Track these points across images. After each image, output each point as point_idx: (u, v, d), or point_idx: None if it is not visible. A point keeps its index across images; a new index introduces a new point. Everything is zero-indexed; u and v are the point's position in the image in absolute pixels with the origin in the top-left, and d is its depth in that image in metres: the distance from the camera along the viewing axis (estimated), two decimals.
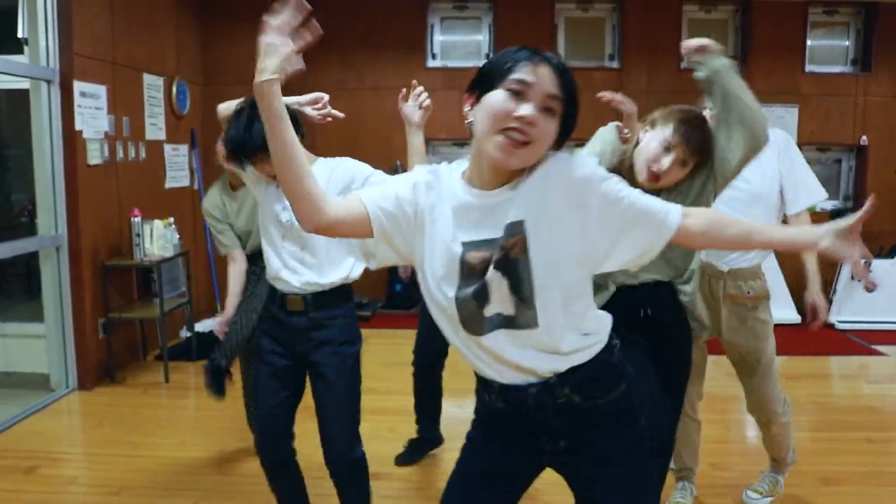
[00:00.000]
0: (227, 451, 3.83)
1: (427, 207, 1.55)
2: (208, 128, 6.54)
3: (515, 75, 1.44)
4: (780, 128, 7.04)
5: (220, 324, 3.29)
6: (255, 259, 3.42)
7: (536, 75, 1.44)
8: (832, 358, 5.88)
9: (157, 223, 5.03)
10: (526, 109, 1.42)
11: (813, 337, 6.28)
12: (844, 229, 1.49)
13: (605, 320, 1.63)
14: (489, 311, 1.50)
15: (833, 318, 6.61)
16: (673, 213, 1.53)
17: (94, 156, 4.77)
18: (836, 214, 6.76)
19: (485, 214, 1.50)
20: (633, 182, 2.26)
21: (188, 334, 5.67)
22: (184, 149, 6.21)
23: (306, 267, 2.48)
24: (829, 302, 6.71)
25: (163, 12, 5.77)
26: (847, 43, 7.39)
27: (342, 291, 2.54)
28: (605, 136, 2.44)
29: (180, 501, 3.28)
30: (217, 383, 3.47)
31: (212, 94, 6.60)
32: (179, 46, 6.08)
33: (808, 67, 7.23)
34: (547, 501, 2.94)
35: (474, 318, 1.51)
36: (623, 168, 2.38)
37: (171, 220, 5.23)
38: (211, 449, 3.86)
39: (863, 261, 1.49)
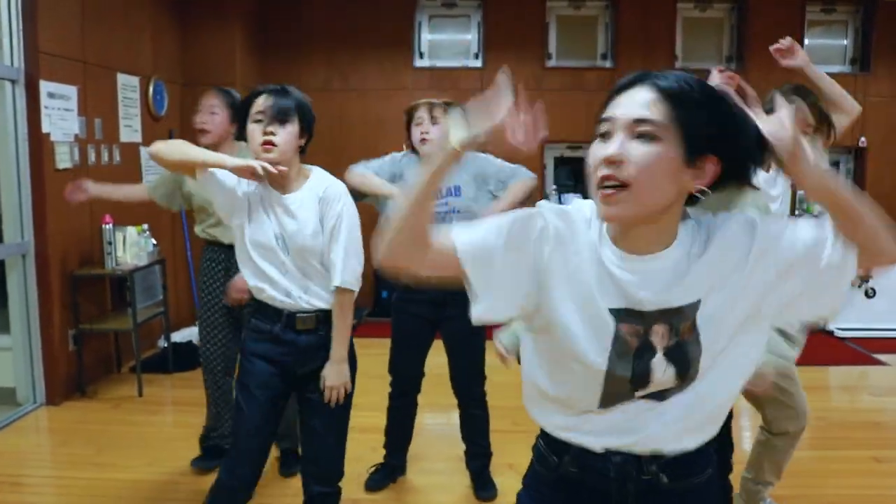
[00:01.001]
0: (198, 471, 3.61)
1: (557, 260, 1.31)
2: (188, 129, 6.29)
3: (601, 117, 1.25)
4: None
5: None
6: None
7: (619, 105, 1.24)
8: (831, 368, 5.70)
9: (131, 230, 4.81)
10: (608, 149, 1.21)
11: (811, 345, 6.07)
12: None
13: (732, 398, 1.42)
14: (641, 392, 1.30)
15: (832, 326, 6.44)
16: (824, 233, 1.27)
17: (63, 159, 4.54)
18: None
19: (642, 283, 1.27)
20: None
21: (165, 344, 5.45)
22: None
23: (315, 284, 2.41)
24: None
25: (138, 10, 5.54)
26: (845, 42, 7.28)
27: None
28: None
29: None
30: None
31: (192, 94, 6.37)
32: (157, 45, 5.85)
33: None
34: None
35: (621, 397, 1.31)
36: None
37: (146, 226, 5.01)
38: (182, 468, 3.64)
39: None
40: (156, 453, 3.86)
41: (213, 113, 3.47)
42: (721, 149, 1.23)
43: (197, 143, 3.20)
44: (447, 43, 7.20)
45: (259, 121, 2.32)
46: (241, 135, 2.43)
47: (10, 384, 4.57)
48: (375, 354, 3.38)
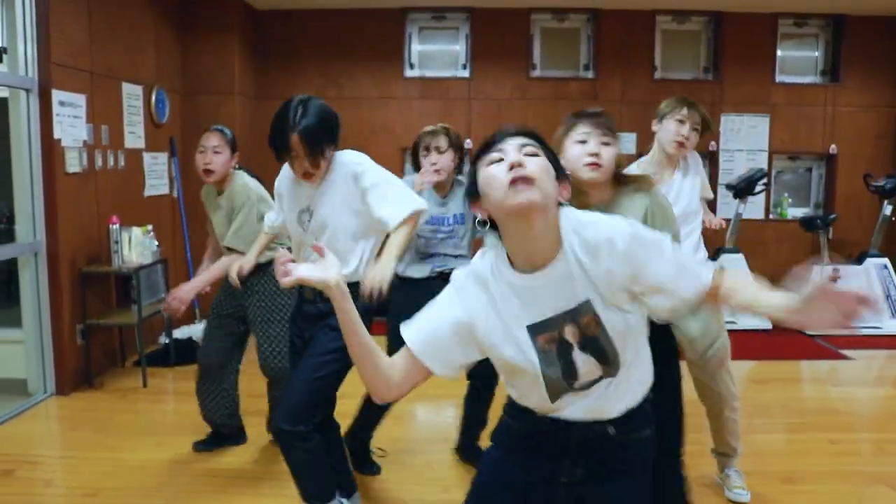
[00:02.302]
0: (203, 453, 3.89)
1: (481, 302, 1.66)
2: (188, 136, 6.60)
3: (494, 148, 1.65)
4: (753, 137, 7.26)
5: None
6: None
7: (505, 143, 1.64)
8: (803, 362, 6.00)
9: (136, 230, 5.09)
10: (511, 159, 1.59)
11: (784, 343, 6.42)
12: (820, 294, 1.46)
13: (651, 367, 1.74)
14: (578, 383, 1.61)
15: None
16: (705, 274, 1.64)
17: (73, 164, 4.82)
18: (806, 222, 6.91)
19: (541, 295, 1.60)
20: (580, 189, 2.48)
21: (167, 340, 5.72)
22: (163, 157, 6.26)
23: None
24: None
25: (141, 23, 5.83)
26: (816, 54, 7.58)
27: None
28: None
29: (156, 502, 3.34)
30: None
31: (190, 102, 6.67)
32: (159, 56, 6.14)
33: (779, 78, 7.42)
34: None
35: (563, 390, 1.62)
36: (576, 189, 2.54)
37: (150, 227, 5.29)
38: (188, 450, 3.91)
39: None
40: (161, 437, 4.13)
41: (217, 153, 3.64)
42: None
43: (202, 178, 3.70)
44: (436, 54, 7.49)
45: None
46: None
47: (21, 375, 4.83)
48: None
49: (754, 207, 7.24)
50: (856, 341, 6.40)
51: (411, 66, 7.44)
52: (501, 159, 1.59)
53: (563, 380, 1.61)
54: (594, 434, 1.64)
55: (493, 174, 1.58)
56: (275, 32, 7.23)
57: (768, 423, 4.51)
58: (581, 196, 2.49)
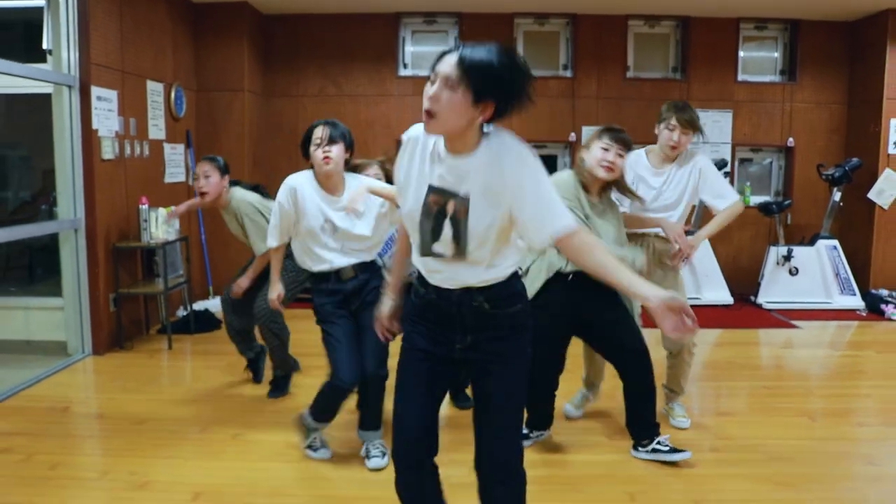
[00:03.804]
0: (227, 389, 4.59)
1: (415, 158, 2.13)
2: (202, 129, 7.28)
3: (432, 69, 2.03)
4: (717, 131, 7.96)
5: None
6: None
7: (441, 63, 1.96)
8: (760, 331, 6.66)
9: (161, 210, 5.74)
10: (430, 91, 1.96)
11: (744, 315, 7.12)
12: (671, 306, 1.86)
13: (515, 258, 2.25)
14: (437, 247, 2.14)
15: (761, 300, 7.44)
16: (566, 220, 2.01)
17: (107, 151, 5.47)
18: (763, 208, 7.59)
19: (447, 172, 2.04)
20: (589, 181, 3.47)
21: (185, 313, 6.38)
22: (180, 148, 6.92)
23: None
24: (758, 286, 7.57)
25: (162, 27, 6.48)
26: (776, 55, 8.24)
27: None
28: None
29: (193, 426, 4.01)
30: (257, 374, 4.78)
31: (204, 98, 7.33)
32: (176, 56, 6.79)
33: (741, 77, 8.10)
34: None
35: (428, 245, 2.16)
36: (583, 177, 3.51)
37: (173, 208, 5.94)
38: (213, 393, 4.60)
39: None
40: (188, 385, 4.80)
41: (207, 177, 4.39)
42: (497, 97, 1.95)
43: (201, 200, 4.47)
44: (428, 54, 8.07)
45: (318, 145, 3.37)
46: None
47: (62, 338, 5.49)
48: None
49: None
50: (808, 314, 7.10)
51: (405, 66, 8.09)
52: (433, 80, 1.95)
53: (430, 235, 2.08)
54: (473, 308, 2.13)
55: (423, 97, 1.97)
56: (280, 35, 7.88)
57: (718, 373, 5.20)
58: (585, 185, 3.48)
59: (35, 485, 3.27)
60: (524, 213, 2.01)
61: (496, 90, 1.93)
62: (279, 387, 4.57)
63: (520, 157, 2.01)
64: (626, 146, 3.45)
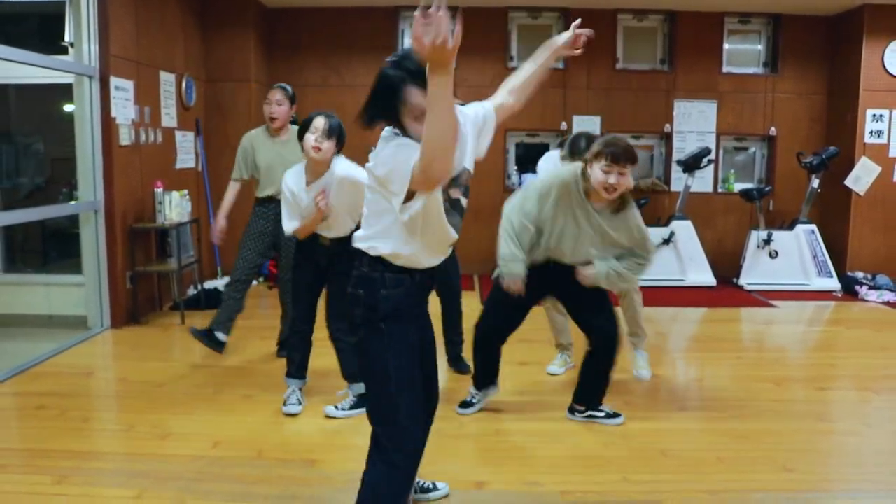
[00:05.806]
0: (236, 357, 4.96)
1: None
2: (210, 118, 7.65)
3: None
4: (702, 121, 8.32)
5: (214, 234, 4.60)
6: (269, 202, 4.67)
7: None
8: (741, 309, 7.04)
9: (175, 193, 6.11)
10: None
11: (726, 295, 7.50)
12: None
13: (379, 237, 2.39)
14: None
15: (742, 282, 7.83)
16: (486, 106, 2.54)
17: (125, 138, 5.83)
18: (745, 194, 7.96)
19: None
20: (593, 192, 3.47)
21: (194, 291, 6.77)
22: (190, 135, 7.28)
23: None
24: (739, 268, 7.94)
25: (172, 19, 6.83)
26: (759, 48, 8.61)
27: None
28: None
29: (206, 388, 4.40)
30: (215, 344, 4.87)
31: (212, 88, 7.69)
32: (187, 48, 7.15)
33: (726, 68, 8.47)
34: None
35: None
36: (586, 188, 3.50)
37: (186, 192, 6.32)
38: (223, 355, 4.98)
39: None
40: (200, 354, 5.15)
41: (279, 104, 4.76)
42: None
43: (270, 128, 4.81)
44: None
45: (313, 133, 3.71)
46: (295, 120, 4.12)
47: (82, 313, 5.87)
48: None
49: (704, 182, 8.32)
50: (787, 295, 7.49)
51: None
52: None
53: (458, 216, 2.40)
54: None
55: None
56: (284, 28, 8.25)
57: (699, 346, 5.60)
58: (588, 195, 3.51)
59: (71, 434, 3.66)
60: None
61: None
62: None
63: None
64: (628, 162, 3.37)
